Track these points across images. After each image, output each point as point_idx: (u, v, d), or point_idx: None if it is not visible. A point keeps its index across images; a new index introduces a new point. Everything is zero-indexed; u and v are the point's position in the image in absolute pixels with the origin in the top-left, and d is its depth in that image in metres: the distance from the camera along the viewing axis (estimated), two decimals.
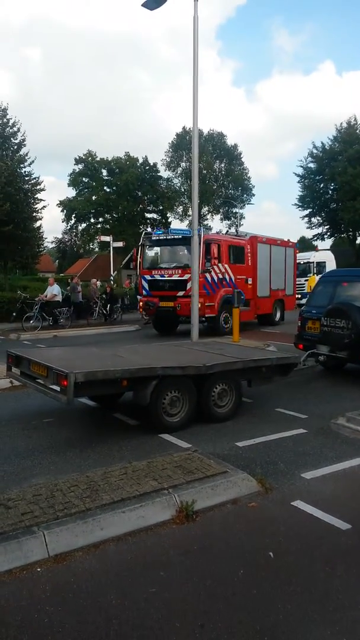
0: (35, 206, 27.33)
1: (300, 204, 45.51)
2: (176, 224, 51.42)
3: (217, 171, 55.26)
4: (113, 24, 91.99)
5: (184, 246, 14.83)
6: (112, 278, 31.56)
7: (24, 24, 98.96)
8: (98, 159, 47.90)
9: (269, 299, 17.82)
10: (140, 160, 48.30)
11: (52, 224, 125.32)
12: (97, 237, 44.95)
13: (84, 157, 47.74)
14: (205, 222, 52.55)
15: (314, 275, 26.58)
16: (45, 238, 41.35)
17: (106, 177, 48.64)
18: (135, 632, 2.68)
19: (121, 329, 17.95)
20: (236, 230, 19.22)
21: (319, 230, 46.90)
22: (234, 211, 55.53)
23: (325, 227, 46.56)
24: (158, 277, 15.03)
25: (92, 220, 49.63)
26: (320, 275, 15.32)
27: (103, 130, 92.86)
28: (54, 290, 17.29)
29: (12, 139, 27.61)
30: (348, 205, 40.04)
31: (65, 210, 48.20)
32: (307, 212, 45.80)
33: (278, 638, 2.65)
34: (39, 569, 3.21)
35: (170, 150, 54.08)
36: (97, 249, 56.64)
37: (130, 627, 2.71)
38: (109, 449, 5.41)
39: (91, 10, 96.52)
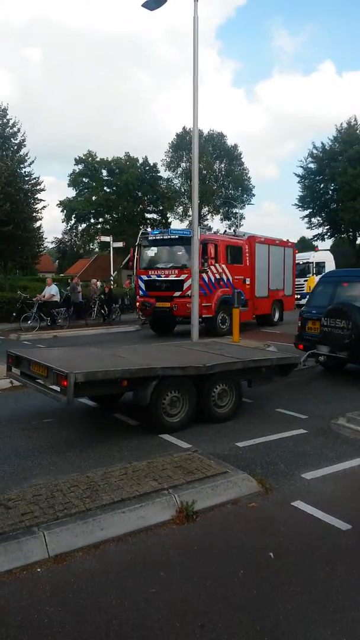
0: (35, 206, 27.37)
1: (300, 204, 45.54)
2: (176, 224, 51.51)
3: (217, 171, 55.28)
4: (113, 24, 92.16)
5: (180, 246, 14.75)
6: (112, 278, 31.57)
7: (24, 24, 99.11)
8: (98, 159, 47.98)
9: (267, 299, 17.73)
10: (140, 161, 48.38)
11: (52, 224, 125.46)
12: (97, 238, 44.97)
13: (84, 158, 47.80)
14: (206, 223, 52.54)
15: (313, 275, 26.56)
16: (45, 238, 41.44)
17: (106, 178, 48.69)
18: (136, 633, 2.67)
19: (121, 329, 17.97)
20: (234, 230, 19.09)
21: (319, 230, 46.97)
22: (234, 211, 55.63)
23: (326, 227, 46.59)
24: (155, 277, 14.95)
25: (92, 220, 49.69)
26: (320, 276, 15.30)
27: (103, 130, 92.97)
28: (51, 291, 17.28)
29: (12, 139, 27.63)
30: (348, 205, 40.05)
31: (65, 211, 48.26)
32: (307, 212, 45.86)
33: (278, 638, 2.64)
34: (39, 569, 3.21)
35: (170, 150, 54.11)
36: (97, 249, 56.65)
37: (131, 627, 2.71)
38: (109, 449, 5.40)
39: (91, 10, 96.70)
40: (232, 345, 9.73)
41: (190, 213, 39.50)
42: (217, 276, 15.00)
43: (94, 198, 47.42)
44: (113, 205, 47.75)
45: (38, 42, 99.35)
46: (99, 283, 22.20)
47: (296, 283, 21.13)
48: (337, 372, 9.56)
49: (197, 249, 12.46)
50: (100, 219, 49.84)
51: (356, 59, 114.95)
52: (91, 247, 57.29)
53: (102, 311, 19.85)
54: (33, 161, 27.49)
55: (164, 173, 52.45)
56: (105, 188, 48.08)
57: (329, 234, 47.35)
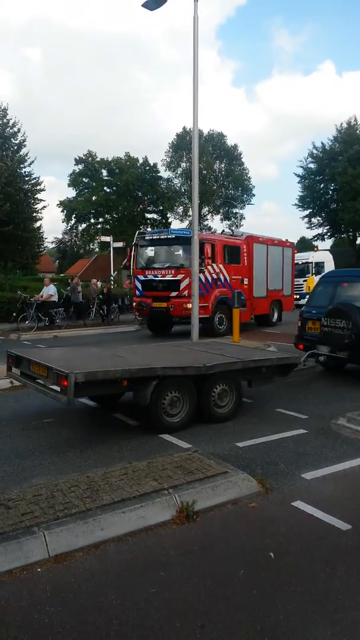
0: (35, 206, 27.37)
1: (300, 204, 45.54)
2: (176, 224, 51.51)
3: (217, 171, 55.27)
4: (113, 24, 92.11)
5: (177, 246, 14.66)
6: (112, 278, 31.58)
7: (24, 24, 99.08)
8: (98, 159, 47.98)
9: (265, 299, 17.59)
10: (140, 161, 48.37)
11: (52, 224, 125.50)
12: (97, 238, 44.97)
13: (84, 158, 47.81)
14: (206, 223, 52.61)
15: (312, 275, 26.53)
16: (46, 238, 41.43)
17: (106, 178, 48.70)
18: (136, 632, 2.68)
19: (120, 329, 17.95)
20: (232, 230, 18.99)
21: (319, 230, 46.98)
22: (234, 211, 55.61)
23: (326, 227, 46.60)
24: (151, 277, 14.86)
25: (92, 220, 49.69)
26: (320, 276, 15.30)
27: (103, 130, 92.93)
28: (49, 291, 17.26)
29: (12, 139, 27.63)
30: (348, 205, 40.06)
31: (65, 211, 48.27)
32: (307, 212, 45.86)
33: (278, 638, 2.65)
34: (39, 569, 3.21)
35: (170, 150, 54.11)
36: (97, 249, 56.65)
37: (131, 627, 2.71)
38: (109, 449, 5.41)
39: (91, 10, 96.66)
40: (232, 345, 9.73)
41: (190, 213, 39.52)
42: (214, 276, 14.89)
43: (94, 198, 47.43)
44: (113, 205, 47.75)
45: (38, 42, 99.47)
46: (99, 283, 22.19)
47: (295, 283, 21.05)
48: (337, 372, 9.56)
49: (196, 249, 12.45)
50: (101, 219, 49.85)
51: (356, 59, 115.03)
52: (91, 247, 57.30)
53: (101, 311, 19.83)
54: (33, 161, 27.54)
55: (164, 173, 52.52)
56: (105, 188, 48.09)
57: (329, 234, 47.37)
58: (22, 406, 7.34)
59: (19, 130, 27.64)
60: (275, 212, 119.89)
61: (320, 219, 46.14)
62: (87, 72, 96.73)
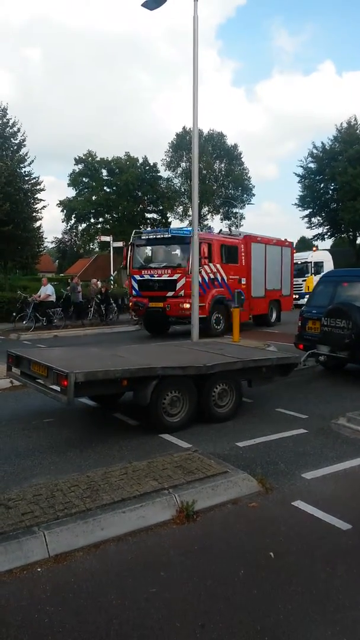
0: (35, 206, 27.35)
1: (300, 204, 45.52)
2: (176, 224, 51.48)
3: (217, 171, 55.24)
4: (113, 24, 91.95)
5: (174, 245, 14.57)
6: (112, 278, 31.57)
7: (24, 24, 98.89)
8: (98, 159, 47.95)
9: (263, 299, 17.45)
10: (140, 160, 48.34)
11: (52, 224, 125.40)
12: (97, 237, 44.98)
13: (83, 157, 47.78)
14: (206, 222, 52.48)
15: (311, 275, 26.48)
16: (45, 238, 41.37)
17: (106, 177, 48.68)
18: (136, 632, 2.67)
19: (117, 329, 17.91)
20: (230, 230, 18.86)
21: (319, 230, 46.96)
22: (234, 211, 55.58)
23: (326, 227, 46.59)
24: (147, 277, 14.74)
25: (92, 220, 49.67)
26: (320, 275, 15.27)
27: (103, 130, 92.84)
28: (47, 291, 17.24)
29: (12, 139, 27.60)
30: (348, 205, 40.05)
31: (65, 210, 48.24)
32: (307, 212, 45.84)
33: (279, 638, 2.64)
34: (39, 569, 3.21)
35: (170, 150, 54.07)
36: (97, 249, 56.65)
37: (131, 627, 2.71)
38: (109, 449, 5.41)
39: (91, 10, 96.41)
40: (232, 345, 9.73)
41: (190, 213, 39.49)
42: (211, 276, 14.75)
43: (94, 198, 47.41)
44: (113, 205, 47.74)
45: (38, 42, 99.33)
46: (99, 283, 22.19)
47: (294, 283, 20.91)
48: (337, 371, 9.56)
49: (197, 249, 12.44)
50: (100, 219, 49.83)
51: (356, 59, 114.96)
52: (91, 246, 57.31)
53: (100, 311, 19.79)
54: (32, 161, 27.48)
55: (164, 173, 52.48)
56: (105, 188, 48.07)
57: (329, 233, 47.35)
58: (22, 406, 7.34)
59: (18, 130, 27.63)
60: (275, 211, 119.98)
61: (320, 218, 46.14)
62: (87, 72, 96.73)
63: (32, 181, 27.28)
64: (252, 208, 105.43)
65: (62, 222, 50.17)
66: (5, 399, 7.79)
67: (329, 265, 27.50)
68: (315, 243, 48.17)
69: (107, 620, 2.76)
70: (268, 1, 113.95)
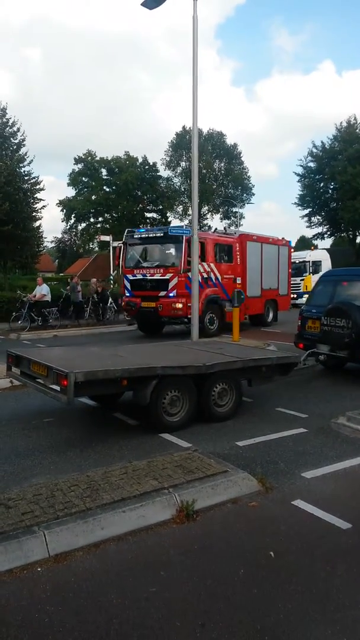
0: (35, 206, 27.30)
1: (300, 203, 45.55)
2: (176, 223, 51.47)
3: (216, 170, 55.25)
4: (113, 24, 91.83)
5: (167, 244, 14.39)
6: (111, 277, 31.55)
7: (24, 24, 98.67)
8: (98, 158, 47.98)
9: (259, 298, 17.21)
10: (140, 160, 48.37)
11: (51, 223, 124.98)
12: (96, 237, 45.01)
13: (83, 157, 47.84)
14: (205, 222, 52.57)
15: (310, 274, 26.38)
16: (45, 238, 41.27)
17: (106, 177, 48.74)
18: (136, 632, 2.68)
19: (117, 328, 17.87)
20: (225, 229, 18.69)
21: (319, 229, 47.01)
22: (234, 210, 55.61)
23: (325, 226, 46.61)
24: (140, 277, 14.58)
25: (91, 219, 49.76)
26: (319, 275, 15.23)
27: (103, 130, 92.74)
28: (42, 290, 17.18)
29: (11, 138, 27.57)
30: (348, 204, 40.06)
31: (64, 210, 48.28)
32: (307, 211, 45.88)
33: (279, 637, 2.65)
34: (39, 569, 3.21)
35: (170, 149, 54.07)
36: (96, 249, 56.68)
37: (131, 626, 2.71)
38: (109, 448, 5.41)
39: (91, 10, 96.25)
40: (232, 345, 9.73)
41: (190, 212, 39.49)
42: (205, 275, 14.48)
43: (93, 197, 47.46)
44: (113, 205, 47.79)
45: (38, 42, 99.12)
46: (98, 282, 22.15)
47: (292, 282, 20.62)
48: (337, 371, 9.56)
49: (196, 248, 12.40)
50: (100, 218, 49.90)
51: (356, 58, 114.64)
52: (91, 246, 57.35)
53: (97, 311, 19.73)
54: (32, 160, 27.45)
55: (164, 172, 52.53)
56: (104, 187, 48.12)
57: (328, 233, 47.40)
58: (22, 406, 7.34)
59: (18, 129, 27.60)
60: (275, 211, 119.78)
61: (320, 217, 46.17)
62: (87, 72, 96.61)
63: (32, 181, 27.24)
64: (252, 207, 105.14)
65: (62, 221, 50.32)
66: (5, 398, 7.79)
67: (327, 265, 27.40)
68: (315, 242, 48.25)
69: (107, 619, 2.76)
70: (267, 1, 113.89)
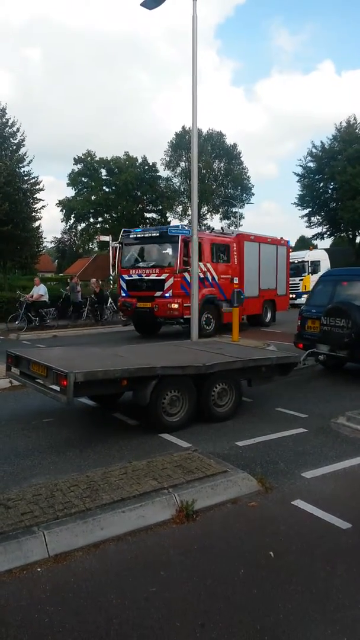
0: (35, 206, 27.31)
1: (299, 203, 45.51)
2: (176, 223, 51.47)
3: (216, 170, 55.22)
4: (113, 24, 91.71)
5: (163, 244, 14.33)
6: (111, 277, 31.55)
7: (24, 24, 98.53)
8: (97, 158, 47.98)
9: (257, 299, 17.03)
10: (140, 160, 48.37)
11: (51, 223, 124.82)
12: (96, 237, 45.02)
13: (83, 157, 47.84)
14: (205, 222, 52.58)
15: (308, 274, 26.33)
16: (45, 238, 41.23)
17: (105, 177, 48.75)
18: (136, 632, 2.67)
19: (115, 328, 17.80)
20: (222, 229, 18.55)
21: (319, 229, 46.97)
22: (234, 210, 55.58)
23: (325, 226, 46.58)
24: (136, 277, 14.50)
25: (91, 220, 49.76)
26: (319, 274, 15.20)
27: (103, 130, 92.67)
28: (40, 291, 17.16)
29: (11, 139, 27.57)
30: (347, 204, 40.01)
31: (64, 210, 48.27)
32: (306, 211, 45.82)
33: (278, 637, 2.64)
34: (39, 569, 3.21)
35: (170, 149, 54.02)
36: (96, 249, 56.68)
37: (131, 626, 2.71)
38: (109, 448, 5.40)
39: (91, 10, 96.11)
40: (232, 345, 9.73)
41: (189, 212, 39.50)
42: (201, 275, 14.26)
43: (93, 197, 47.46)
44: (112, 205, 47.80)
45: (38, 42, 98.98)
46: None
47: (291, 282, 20.45)
48: (337, 371, 9.56)
49: (196, 248, 12.39)
50: (100, 219, 49.91)
51: (356, 58, 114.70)
52: (90, 246, 57.37)
53: (94, 311, 19.70)
54: (31, 160, 27.45)
55: (163, 172, 52.49)
56: (104, 187, 48.12)
57: (328, 232, 47.35)
58: (21, 406, 7.33)
59: (17, 129, 27.61)
60: (274, 211, 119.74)
61: (319, 217, 46.10)
62: (87, 72, 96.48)
63: (32, 181, 27.25)
64: (252, 207, 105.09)
65: (62, 221, 50.31)
66: (5, 399, 7.79)
67: (325, 265, 27.31)
68: (315, 242, 48.19)
69: (107, 619, 2.76)
70: (267, 1, 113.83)
